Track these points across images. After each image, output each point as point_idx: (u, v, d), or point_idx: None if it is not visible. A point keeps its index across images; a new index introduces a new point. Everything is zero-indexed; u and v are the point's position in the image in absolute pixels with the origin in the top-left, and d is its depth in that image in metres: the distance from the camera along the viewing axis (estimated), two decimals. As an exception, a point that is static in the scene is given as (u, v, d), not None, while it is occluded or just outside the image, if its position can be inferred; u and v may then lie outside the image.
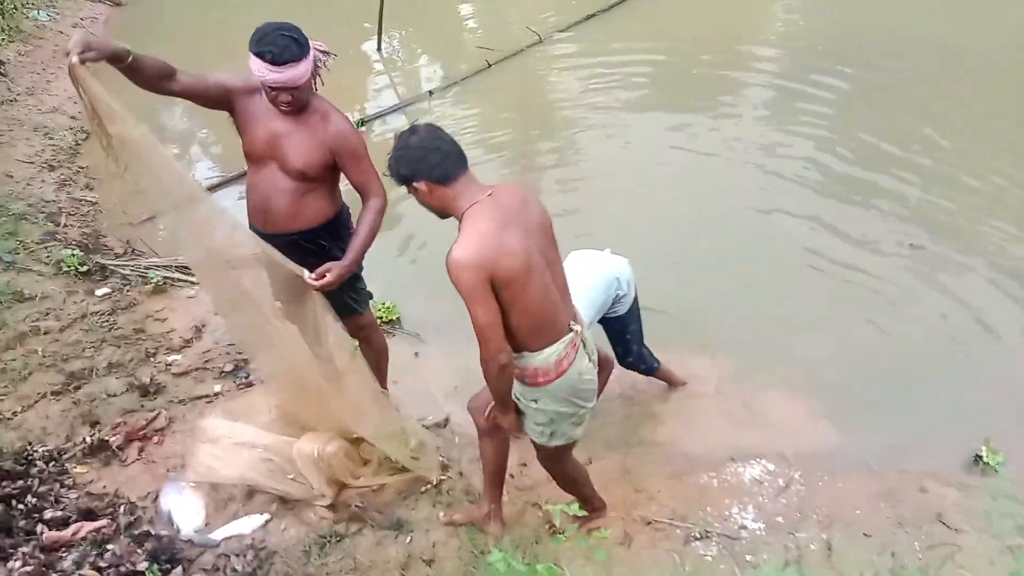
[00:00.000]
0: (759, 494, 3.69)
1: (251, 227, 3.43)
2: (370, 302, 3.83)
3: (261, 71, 2.91)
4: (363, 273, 3.59)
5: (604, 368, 3.79)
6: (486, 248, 2.44)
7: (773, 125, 6.96)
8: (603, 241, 3.93)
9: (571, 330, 2.75)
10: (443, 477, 3.73)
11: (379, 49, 8.75)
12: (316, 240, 3.37)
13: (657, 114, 7.28)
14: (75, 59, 2.64)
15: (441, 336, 4.75)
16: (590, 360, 2.89)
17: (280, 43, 2.87)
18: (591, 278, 3.71)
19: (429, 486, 3.68)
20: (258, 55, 2.89)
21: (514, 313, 2.56)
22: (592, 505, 3.38)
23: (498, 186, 2.62)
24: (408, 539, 3.38)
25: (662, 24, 9.02)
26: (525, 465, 3.83)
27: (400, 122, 7.45)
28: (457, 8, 10.45)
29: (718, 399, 4.22)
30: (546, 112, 7.61)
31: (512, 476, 3.76)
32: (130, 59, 2.83)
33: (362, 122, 7.23)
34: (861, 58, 7.94)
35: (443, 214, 2.64)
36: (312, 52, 3.01)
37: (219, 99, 3.15)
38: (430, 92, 7.78)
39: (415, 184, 2.57)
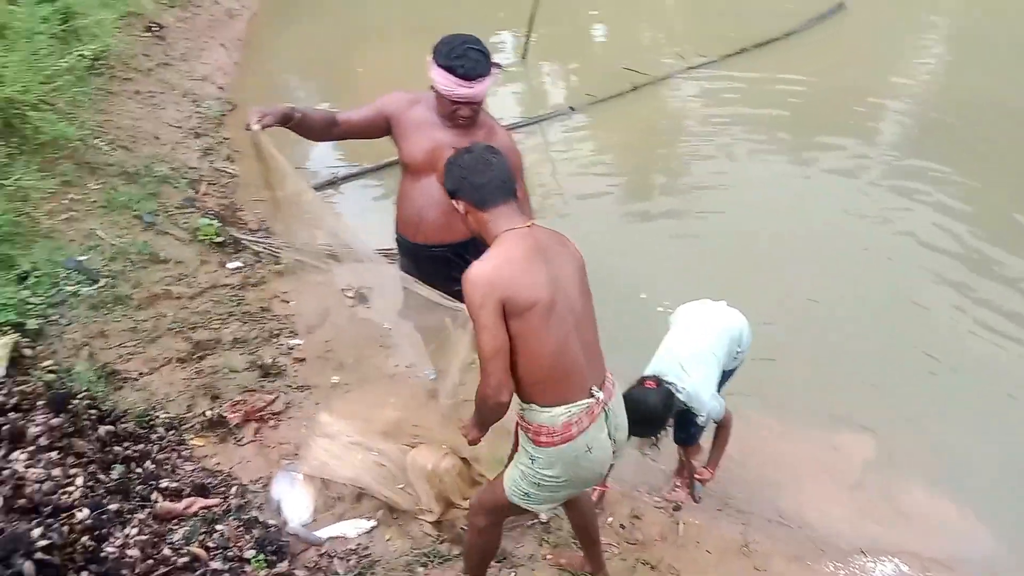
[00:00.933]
0: (888, 595, 3.44)
1: (399, 237, 3.43)
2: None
3: (449, 85, 2.88)
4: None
5: (724, 427, 3.61)
6: (507, 270, 2.36)
7: (900, 179, 6.64)
8: (715, 284, 3.76)
9: (592, 396, 2.49)
10: (552, 515, 3.58)
11: (523, 58, 8.72)
12: (464, 255, 3.30)
13: (786, 158, 7.06)
14: (256, 127, 2.89)
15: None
16: (610, 436, 2.59)
17: (472, 57, 2.85)
18: (716, 332, 3.55)
19: (536, 521, 3.55)
20: (448, 68, 2.86)
21: (524, 355, 2.39)
22: None
23: (537, 225, 2.55)
24: (512, 573, 3.25)
25: (806, 67, 8.73)
26: (638, 518, 3.67)
27: (537, 135, 7.39)
28: (601, 27, 10.38)
29: (852, 482, 3.96)
30: (677, 141, 7.45)
31: (623, 527, 3.61)
32: (298, 117, 3.05)
33: (499, 132, 7.19)
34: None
35: (479, 235, 2.58)
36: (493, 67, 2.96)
37: (382, 126, 3.24)
38: (571, 108, 7.70)
39: (455, 200, 2.56)
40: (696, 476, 3.67)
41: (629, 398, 3.16)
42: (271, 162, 3.00)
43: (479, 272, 2.36)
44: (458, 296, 3.36)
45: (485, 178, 2.49)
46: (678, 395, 3.30)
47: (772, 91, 8.18)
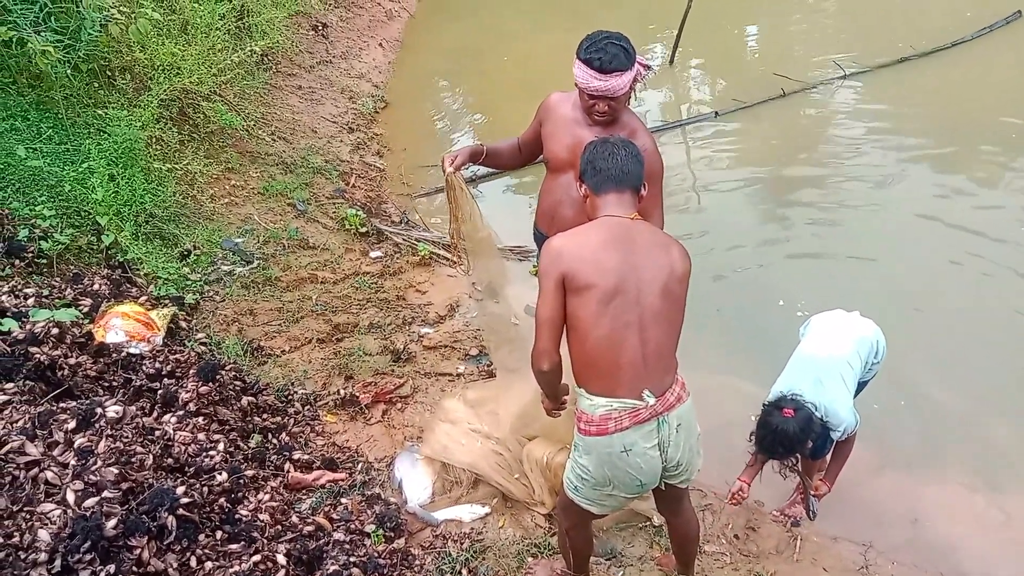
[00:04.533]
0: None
1: (536, 230, 3.48)
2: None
3: (585, 78, 2.90)
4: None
5: (848, 440, 3.46)
6: (576, 246, 2.44)
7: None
8: (852, 298, 3.60)
9: (642, 399, 2.44)
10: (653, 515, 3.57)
11: (671, 63, 8.63)
12: None
13: (937, 180, 6.45)
14: (451, 169, 3.16)
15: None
16: (661, 450, 2.51)
17: (610, 51, 2.85)
18: (852, 342, 3.42)
19: (648, 523, 3.54)
20: (585, 61, 2.88)
21: (576, 334, 2.46)
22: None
23: (646, 223, 2.61)
24: (620, 573, 3.27)
25: (973, 78, 8.10)
26: (754, 530, 3.59)
27: (680, 139, 7.31)
28: (755, 33, 10.08)
29: (983, 505, 3.73)
30: (824, 151, 7.09)
31: (737, 537, 3.55)
32: (485, 153, 3.31)
33: (641, 134, 7.14)
34: None
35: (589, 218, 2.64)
36: (636, 65, 2.95)
37: (539, 140, 3.34)
38: (716, 113, 7.55)
39: (581, 184, 2.66)
40: (812, 491, 3.55)
41: (767, 425, 3.13)
42: (461, 198, 3.27)
43: (553, 242, 2.48)
44: None
45: (607, 164, 2.56)
46: (815, 414, 3.20)
47: (931, 103, 7.69)
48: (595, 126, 3.09)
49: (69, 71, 4.55)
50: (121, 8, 4.78)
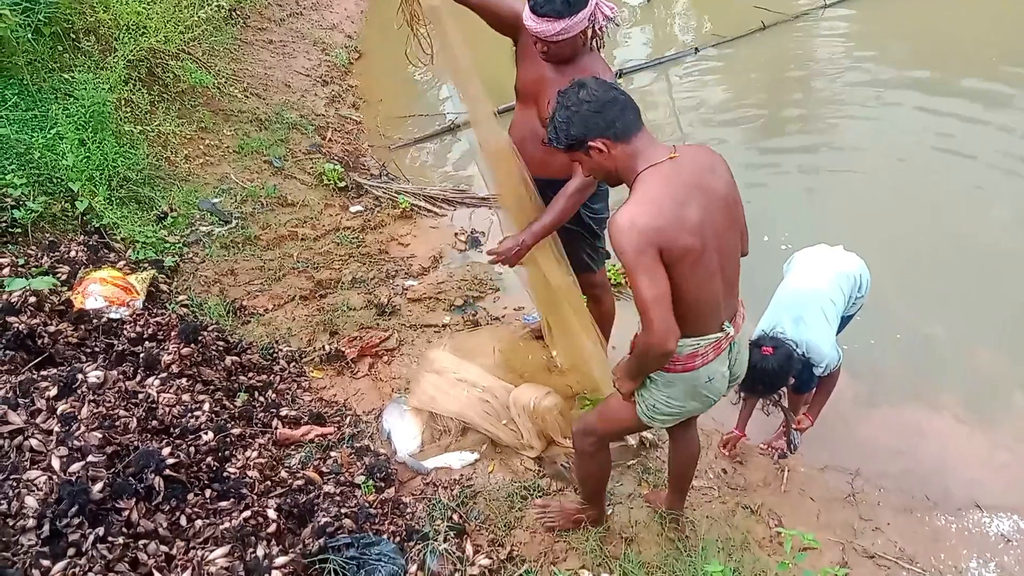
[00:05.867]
0: (1004, 552, 3.28)
1: None
2: (606, 262, 3.75)
3: (525, 16, 2.87)
4: (604, 232, 3.50)
5: (831, 376, 3.49)
6: (660, 216, 2.17)
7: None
8: (838, 231, 3.58)
9: (722, 330, 2.44)
10: (642, 454, 3.61)
11: (648, 0, 8.50)
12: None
13: (923, 104, 6.42)
14: None
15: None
16: (729, 368, 2.56)
17: None
18: (835, 277, 3.43)
19: (636, 462, 3.58)
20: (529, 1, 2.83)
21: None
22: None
23: (683, 147, 2.31)
24: (610, 511, 3.30)
25: (951, 5, 8.00)
26: (741, 463, 3.64)
27: (660, 78, 7.22)
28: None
29: (972, 434, 3.78)
30: (806, 83, 7.04)
31: (724, 472, 3.59)
32: None
33: (620, 74, 7.06)
34: None
35: (617, 179, 2.36)
36: (587, 12, 2.87)
37: (509, 25, 3.12)
38: (696, 49, 7.46)
39: (591, 143, 2.27)
40: (795, 425, 3.59)
41: (748, 364, 3.13)
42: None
43: (630, 219, 2.17)
44: None
45: (619, 106, 2.26)
46: (796, 351, 3.23)
47: (916, 29, 7.59)
48: (555, 65, 3.02)
49: (30, 35, 4.44)
50: (81, -33, 4.66)
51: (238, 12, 6.97)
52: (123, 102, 4.87)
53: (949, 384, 4.07)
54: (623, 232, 2.16)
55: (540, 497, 3.34)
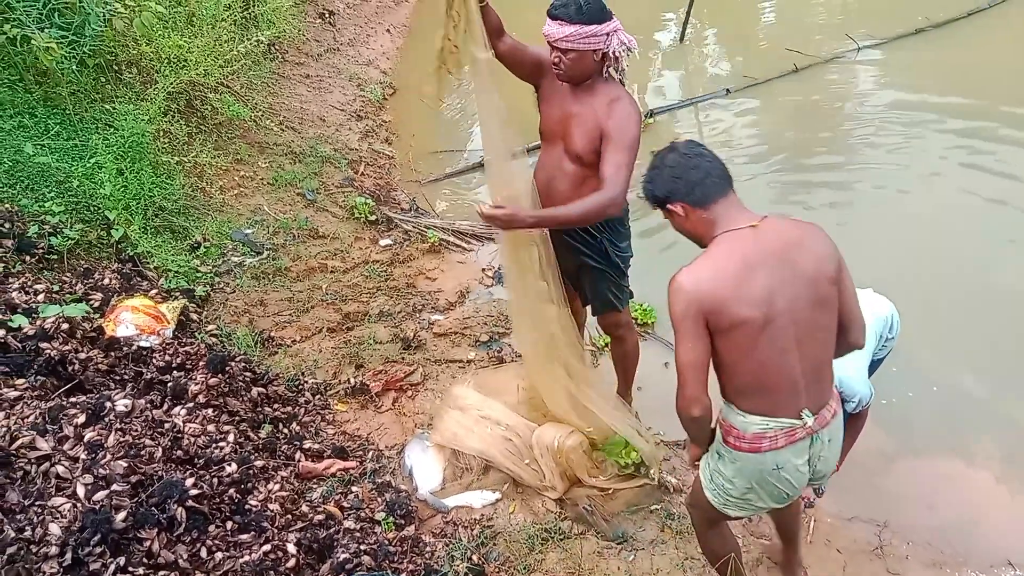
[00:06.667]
0: (1038, 612, 3.19)
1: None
2: (630, 301, 3.73)
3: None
4: (629, 271, 3.50)
5: (860, 417, 3.43)
6: (715, 283, 2.16)
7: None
8: (866, 274, 3.52)
9: (800, 418, 2.30)
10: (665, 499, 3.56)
11: (681, 40, 8.55)
12: (588, 229, 3.31)
13: (956, 150, 6.33)
14: None
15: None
16: (809, 465, 2.41)
17: (567, 1, 2.87)
18: (868, 316, 3.38)
19: (659, 505, 3.53)
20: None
21: (726, 367, 2.27)
22: None
23: (773, 218, 2.28)
24: (632, 556, 3.26)
25: (989, 48, 7.94)
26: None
27: (691, 117, 7.24)
28: (769, 8, 9.94)
29: (1005, 488, 3.69)
30: (837, 124, 7.02)
31: (750, 520, 3.53)
32: (485, 3, 3.01)
33: (651, 113, 7.09)
34: None
35: (701, 242, 2.35)
36: (601, 30, 2.92)
37: (532, 71, 3.20)
38: (727, 89, 7.48)
39: (670, 207, 2.32)
40: None
41: None
42: (470, 15, 2.96)
43: (684, 281, 2.19)
44: (574, 271, 3.38)
45: (701, 172, 2.28)
46: None
47: (949, 75, 7.55)
48: (577, 94, 3.06)
49: (75, 67, 4.57)
50: (126, 2, 4.79)
51: (277, 47, 7.12)
52: (161, 133, 4.98)
53: (983, 436, 3.97)
54: (673, 291, 2.21)
55: (563, 541, 3.29)
